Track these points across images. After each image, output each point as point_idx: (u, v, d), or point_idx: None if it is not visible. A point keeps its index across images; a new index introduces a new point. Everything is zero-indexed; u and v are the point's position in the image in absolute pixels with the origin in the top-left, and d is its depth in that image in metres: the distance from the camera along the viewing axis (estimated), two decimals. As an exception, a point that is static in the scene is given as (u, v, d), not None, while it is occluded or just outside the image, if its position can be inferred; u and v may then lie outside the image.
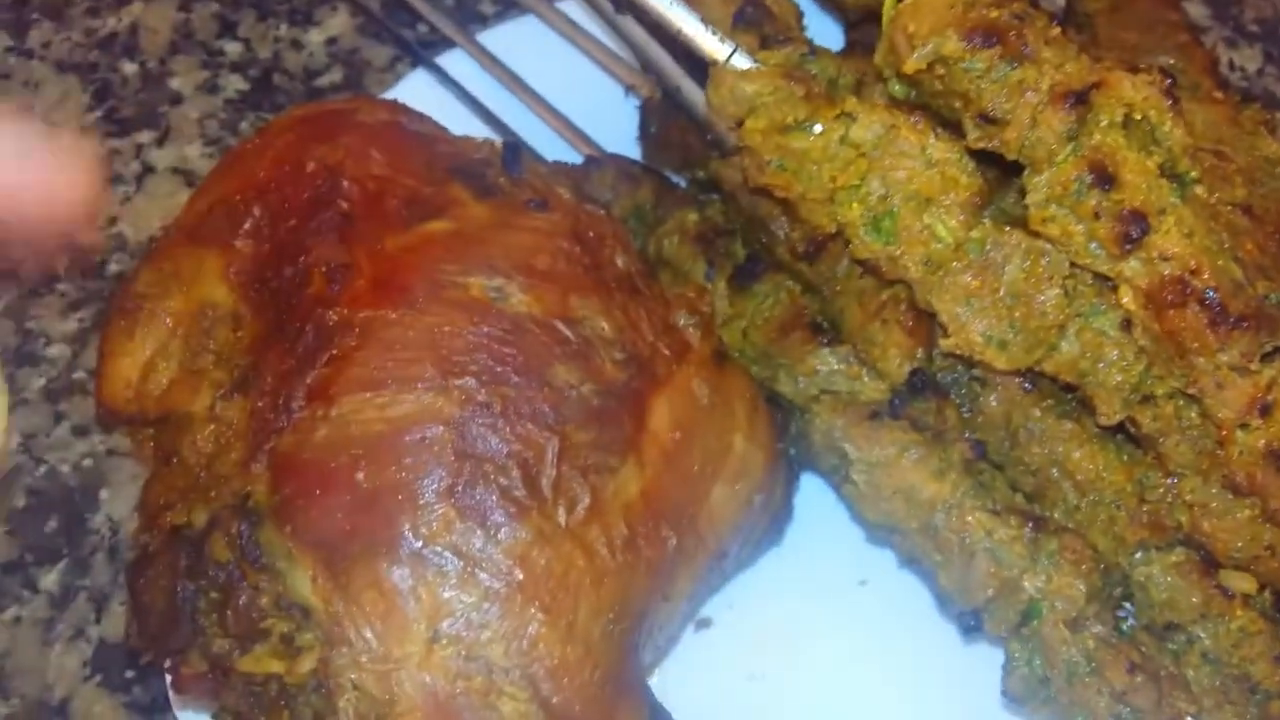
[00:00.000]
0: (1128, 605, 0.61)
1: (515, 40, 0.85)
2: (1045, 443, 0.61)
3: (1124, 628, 0.60)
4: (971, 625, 0.62)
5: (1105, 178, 0.53)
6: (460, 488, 0.48)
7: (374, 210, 0.55)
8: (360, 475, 0.49)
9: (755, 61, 0.58)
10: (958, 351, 0.58)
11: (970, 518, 0.60)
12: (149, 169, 0.88)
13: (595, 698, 0.49)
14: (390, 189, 0.56)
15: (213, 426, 0.54)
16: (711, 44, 0.58)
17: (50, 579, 0.75)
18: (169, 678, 0.52)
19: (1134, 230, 0.53)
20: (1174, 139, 0.54)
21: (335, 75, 0.92)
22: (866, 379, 0.64)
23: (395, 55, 0.92)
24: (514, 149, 0.60)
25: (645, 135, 0.79)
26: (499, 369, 0.51)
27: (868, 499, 0.63)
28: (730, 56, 0.58)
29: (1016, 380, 0.62)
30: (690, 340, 0.59)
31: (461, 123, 0.78)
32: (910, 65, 0.55)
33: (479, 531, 0.48)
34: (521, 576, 0.48)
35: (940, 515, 0.61)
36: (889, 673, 0.68)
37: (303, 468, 0.49)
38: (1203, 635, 0.59)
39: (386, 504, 0.48)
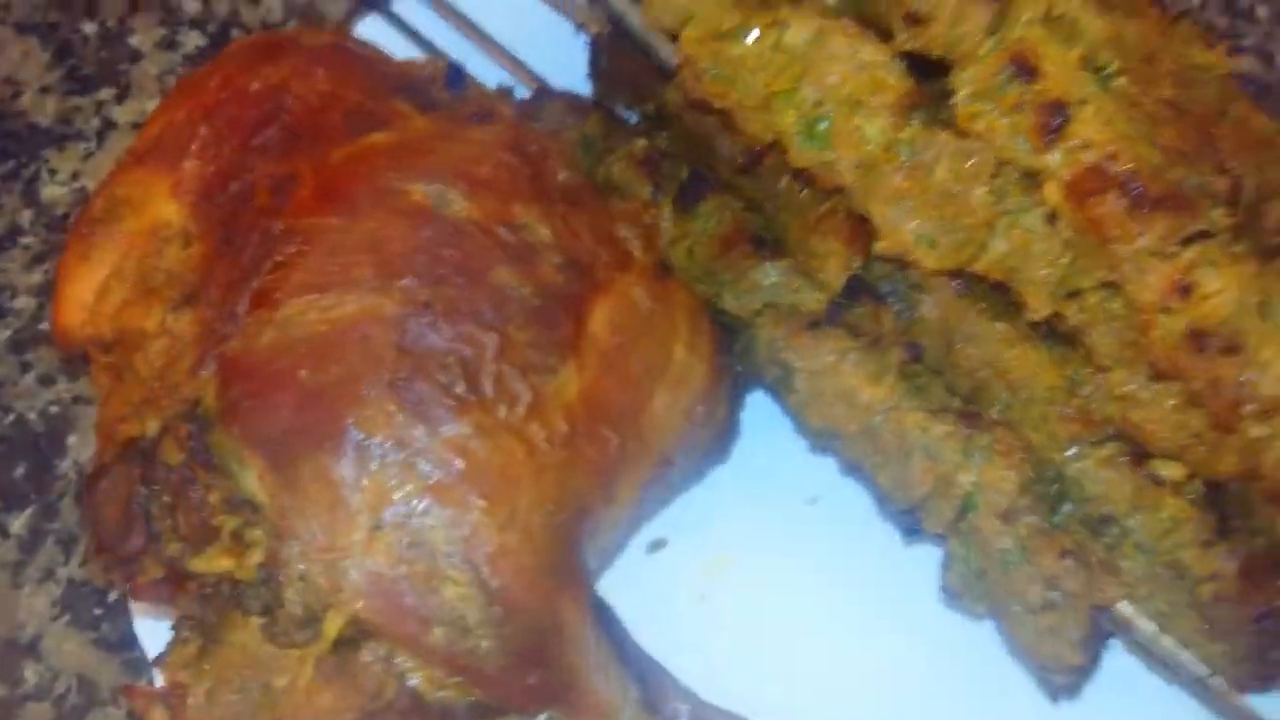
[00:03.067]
0: (1069, 502, 0.63)
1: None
2: (979, 344, 0.63)
3: (1057, 519, 0.61)
4: (912, 526, 0.63)
5: (1026, 69, 0.55)
6: (402, 383, 0.50)
7: (318, 124, 0.56)
8: (304, 374, 0.50)
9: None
10: (890, 253, 0.60)
11: (907, 418, 0.62)
12: (110, 125, 0.89)
13: (535, 583, 0.50)
14: (334, 104, 0.57)
15: (164, 340, 0.55)
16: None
17: (19, 523, 0.76)
18: (126, 586, 0.53)
19: (1054, 120, 0.54)
20: (1094, 31, 0.55)
21: (292, 29, 0.93)
22: (807, 290, 0.65)
23: (351, 8, 0.93)
24: (457, 68, 0.62)
25: (596, 71, 0.80)
26: (439, 270, 0.52)
27: (810, 406, 0.64)
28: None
29: (951, 285, 0.63)
30: (632, 251, 0.60)
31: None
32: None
33: (420, 425, 0.50)
34: (462, 467, 0.50)
35: (878, 417, 0.62)
36: (836, 589, 0.69)
37: (248, 370, 0.51)
38: (1135, 526, 0.61)
39: (330, 400, 0.50)
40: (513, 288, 0.53)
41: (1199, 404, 0.56)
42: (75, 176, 0.87)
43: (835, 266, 0.65)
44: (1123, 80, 0.56)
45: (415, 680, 0.50)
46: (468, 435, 0.50)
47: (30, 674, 0.71)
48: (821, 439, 0.66)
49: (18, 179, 0.87)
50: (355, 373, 0.50)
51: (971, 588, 0.62)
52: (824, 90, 0.59)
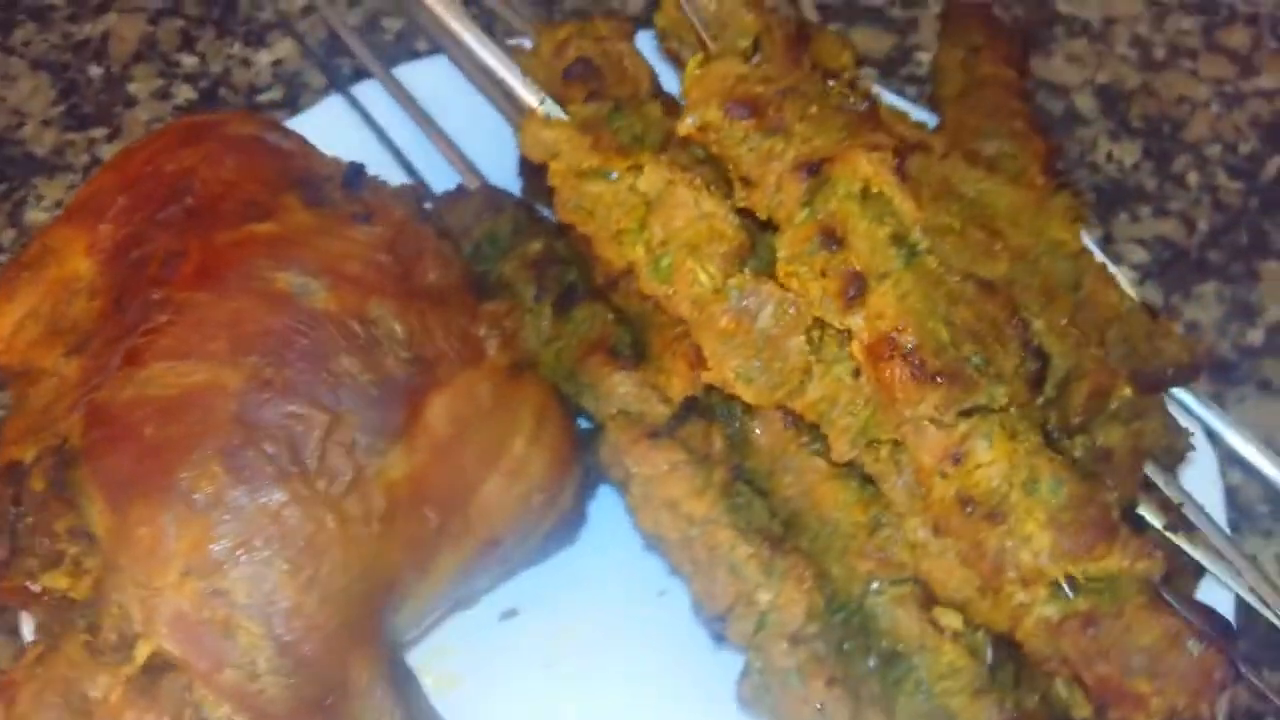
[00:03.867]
0: (865, 634, 0.68)
1: (430, 75, 0.95)
2: (797, 476, 0.68)
3: (847, 648, 0.66)
4: (718, 633, 0.68)
5: (833, 239, 0.61)
6: (231, 449, 0.57)
7: (215, 208, 0.64)
8: (149, 430, 0.57)
9: (564, 113, 0.67)
10: (715, 384, 0.66)
11: (720, 533, 0.67)
12: (96, 161, 0.99)
13: (327, 641, 0.57)
14: (233, 192, 0.65)
15: (55, 380, 0.63)
16: (527, 94, 0.67)
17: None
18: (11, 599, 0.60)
19: (853, 289, 0.60)
20: (904, 211, 0.61)
21: (275, 93, 1.02)
22: (653, 402, 0.71)
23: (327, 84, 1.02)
24: (356, 169, 0.69)
25: (523, 170, 0.87)
26: (286, 353, 0.59)
27: (641, 509, 0.70)
28: (540, 105, 0.66)
29: (780, 417, 0.69)
30: (487, 349, 0.67)
31: (369, 147, 0.88)
32: (681, 128, 0.63)
33: (241, 489, 0.57)
34: (273, 531, 0.56)
35: (695, 529, 0.68)
36: (667, 678, 0.75)
37: (108, 418, 0.58)
38: (919, 665, 0.65)
39: (166, 455, 0.57)
40: (353, 375, 0.60)
41: (969, 564, 0.61)
42: (58, 205, 0.96)
43: (678, 385, 0.71)
44: (929, 259, 0.62)
45: (209, 712, 0.56)
46: (283, 503, 0.57)
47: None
48: (650, 540, 0.72)
49: (7, 200, 0.97)
50: (193, 434, 0.57)
51: (761, 699, 0.67)
52: (669, 232, 0.65)
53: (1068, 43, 1.13)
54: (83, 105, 1.01)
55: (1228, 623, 0.61)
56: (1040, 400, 0.66)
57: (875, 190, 0.61)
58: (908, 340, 0.59)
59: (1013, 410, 0.61)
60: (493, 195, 0.83)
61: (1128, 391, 0.65)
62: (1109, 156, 1.07)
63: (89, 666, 0.56)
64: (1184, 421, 0.72)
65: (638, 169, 0.65)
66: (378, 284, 0.64)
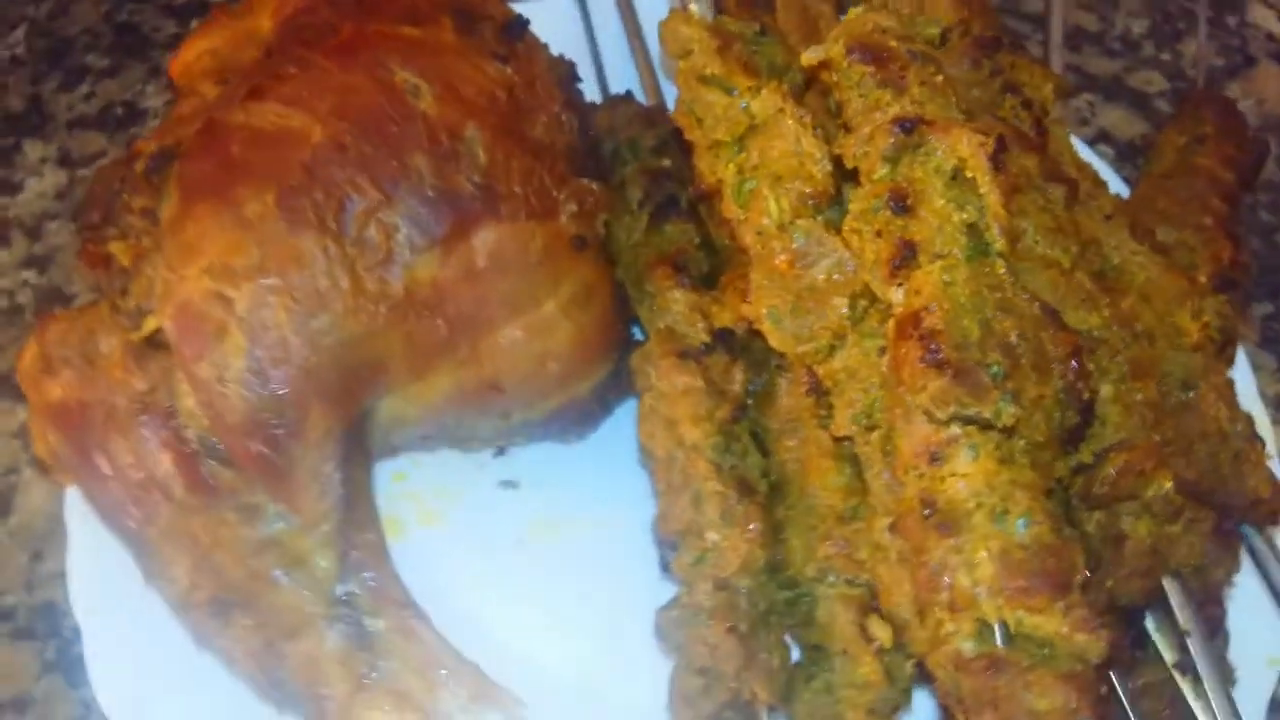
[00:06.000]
0: (798, 616, 0.64)
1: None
2: (800, 444, 0.66)
3: (771, 619, 0.63)
4: (666, 561, 0.67)
5: (902, 204, 0.58)
6: (288, 188, 0.62)
7: (380, 4, 0.70)
8: (236, 149, 0.64)
9: (711, 17, 0.68)
10: (748, 317, 0.65)
11: (700, 464, 0.66)
12: None
13: (296, 381, 0.61)
14: (403, -2, 0.71)
15: (195, 99, 0.71)
16: (684, -12, 0.69)
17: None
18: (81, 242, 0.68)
19: (901, 258, 0.58)
20: (989, 204, 0.58)
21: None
22: (700, 327, 0.71)
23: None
24: (520, 22, 0.74)
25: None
26: (372, 131, 0.64)
27: (644, 421, 0.70)
28: (687, 5, 0.68)
29: (806, 382, 0.67)
30: (559, 214, 0.69)
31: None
32: (803, 58, 0.63)
33: (281, 222, 0.62)
34: (290, 268, 0.61)
35: (680, 452, 0.67)
36: (620, 593, 0.74)
37: (213, 132, 0.65)
38: (835, 667, 0.61)
39: (237, 173, 0.63)
40: (420, 174, 0.64)
41: (918, 581, 0.57)
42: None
43: (724, 316, 0.70)
44: (998, 262, 0.58)
45: (180, 400, 0.62)
46: (310, 249, 0.62)
47: None
48: (642, 452, 0.71)
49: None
50: (265, 164, 0.63)
51: (672, 633, 0.65)
52: (762, 158, 0.65)
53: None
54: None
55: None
56: (1073, 463, 0.61)
57: (967, 174, 0.58)
58: (934, 322, 0.56)
59: (1017, 439, 0.56)
60: (650, 112, 0.86)
61: (1168, 485, 0.58)
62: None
63: (107, 324, 0.63)
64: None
65: (755, 90, 0.65)
66: (481, 112, 0.67)
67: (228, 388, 0.60)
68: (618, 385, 0.75)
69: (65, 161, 0.97)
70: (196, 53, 0.76)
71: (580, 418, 0.76)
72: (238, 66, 0.73)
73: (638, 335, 0.77)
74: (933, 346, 0.56)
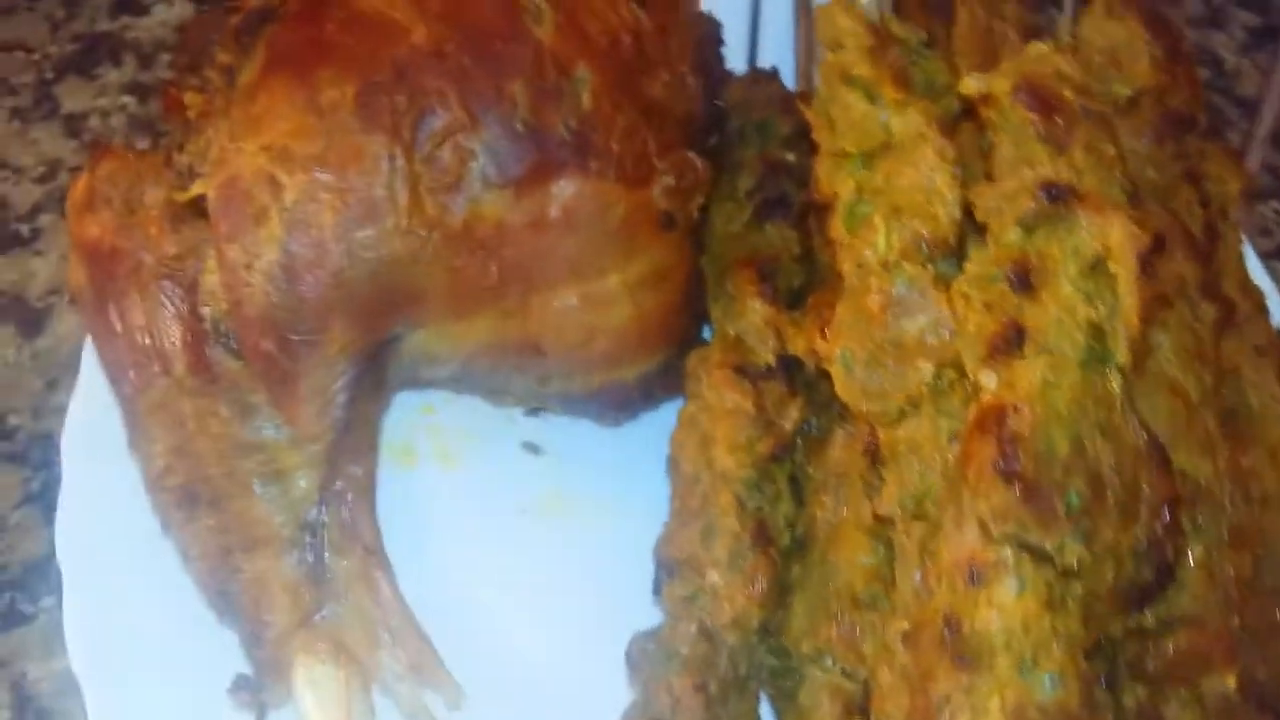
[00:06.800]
0: (777, 688, 0.58)
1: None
2: (837, 506, 0.60)
3: (749, 684, 0.57)
4: (659, 583, 0.62)
5: (1024, 281, 0.50)
6: (371, 83, 0.57)
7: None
8: (330, 28, 0.59)
9: (876, 12, 0.60)
10: (818, 352, 0.58)
11: (723, 495, 0.60)
12: None
13: (324, 288, 0.57)
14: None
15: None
16: (862, -25, 0.61)
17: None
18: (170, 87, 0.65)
19: (1006, 340, 0.50)
20: (1124, 309, 0.50)
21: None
22: (769, 346, 0.64)
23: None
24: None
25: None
26: (477, 46, 0.59)
27: (680, 429, 0.64)
28: (859, -7, 0.60)
29: (865, 440, 0.60)
30: (652, 183, 0.63)
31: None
32: (963, 85, 0.55)
33: (354, 118, 0.57)
34: (350, 168, 0.57)
35: (707, 475, 0.61)
36: (613, 604, 0.68)
37: (314, 3, 0.61)
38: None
39: (323, 53, 0.58)
40: (514, 104, 0.59)
41: (916, 708, 0.50)
42: None
43: (800, 343, 0.63)
44: (1113, 376, 0.50)
45: (205, 277, 0.58)
46: (378, 155, 0.57)
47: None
48: (670, 461, 0.65)
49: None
50: (354, 50, 0.58)
51: (641, 665, 0.59)
52: (886, 183, 0.57)
53: None
54: None
55: None
56: (1131, 623, 0.53)
57: (1110, 266, 0.50)
58: (1020, 425, 0.48)
59: (1074, 583, 0.48)
60: (791, 98, 0.78)
61: (1231, 681, 0.50)
62: None
63: (157, 175, 0.60)
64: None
65: (901, 106, 0.58)
66: (600, 53, 0.61)
67: (253, 277, 0.56)
68: (668, 380, 0.69)
69: (194, -6, 0.95)
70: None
71: (620, 403, 0.70)
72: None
73: (708, 335, 0.71)
74: (1009, 452, 0.48)
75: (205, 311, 0.58)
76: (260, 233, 0.56)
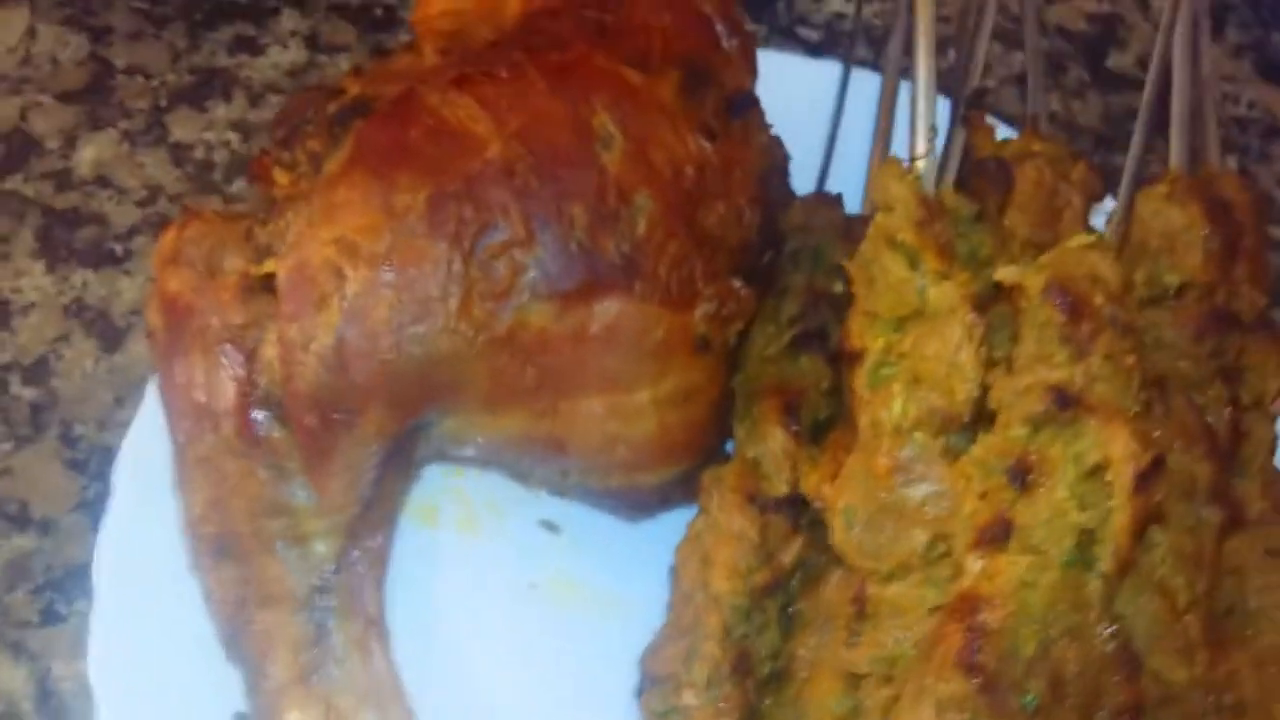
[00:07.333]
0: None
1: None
2: (819, 648, 0.62)
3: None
4: (641, 689, 0.64)
5: (1021, 479, 0.52)
6: (442, 193, 0.62)
7: (617, 38, 0.68)
8: (414, 133, 0.63)
9: (934, 182, 0.62)
10: (823, 500, 0.60)
11: (712, 618, 0.63)
12: None
13: (370, 375, 0.61)
14: (640, 38, 0.68)
15: (413, 58, 0.71)
16: (918, 139, 0.63)
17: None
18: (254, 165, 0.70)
19: (993, 534, 0.52)
20: (1115, 528, 0.51)
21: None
22: (784, 478, 0.67)
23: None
24: (747, 101, 0.70)
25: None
26: (547, 167, 0.63)
27: (686, 542, 0.67)
28: (914, 159, 0.62)
29: (857, 590, 0.62)
30: (694, 309, 0.66)
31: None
32: (1000, 272, 0.57)
33: (422, 223, 0.61)
34: (410, 267, 0.61)
35: (701, 595, 0.64)
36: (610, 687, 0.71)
37: (404, 105, 0.65)
38: None
39: (404, 158, 0.63)
40: (572, 225, 0.62)
41: None
42: None
43: (812, 480, 0.65)
44: (1094, 584, 0.51)
45: (266, 349, 0.63)
46: (438, 260, 0.61)
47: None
48: (671, 572, 0.68)
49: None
50: (432, 159, 0.62)
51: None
52: (912, 350, 0.60)
53: None
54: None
55: None
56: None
57: (1106, 477, 0.52)
58: (990, 620, 0.50)
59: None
60: (852, 224, 0.81)
61: None
62: None
63: (239, 245, 0.65)
64: None
65: (940, 278, 0.60)
66: (662, 183, 0.65)
67: (308, 357, 0.61)
68: (685, 489, 0.72)
69: (311, 42, 1.00)
70: (440, 8, 0.76)
71: (636, 504, 0.73)
72: (468, 41, 0.72)
73: (731, 447, 0.74)
74: (975, 644, 0.50)
75: (260, 379, 0.62)
76: (320, 318, 0.61)
